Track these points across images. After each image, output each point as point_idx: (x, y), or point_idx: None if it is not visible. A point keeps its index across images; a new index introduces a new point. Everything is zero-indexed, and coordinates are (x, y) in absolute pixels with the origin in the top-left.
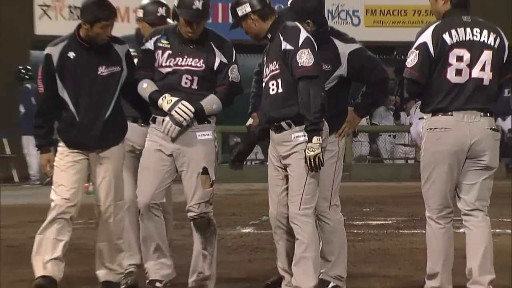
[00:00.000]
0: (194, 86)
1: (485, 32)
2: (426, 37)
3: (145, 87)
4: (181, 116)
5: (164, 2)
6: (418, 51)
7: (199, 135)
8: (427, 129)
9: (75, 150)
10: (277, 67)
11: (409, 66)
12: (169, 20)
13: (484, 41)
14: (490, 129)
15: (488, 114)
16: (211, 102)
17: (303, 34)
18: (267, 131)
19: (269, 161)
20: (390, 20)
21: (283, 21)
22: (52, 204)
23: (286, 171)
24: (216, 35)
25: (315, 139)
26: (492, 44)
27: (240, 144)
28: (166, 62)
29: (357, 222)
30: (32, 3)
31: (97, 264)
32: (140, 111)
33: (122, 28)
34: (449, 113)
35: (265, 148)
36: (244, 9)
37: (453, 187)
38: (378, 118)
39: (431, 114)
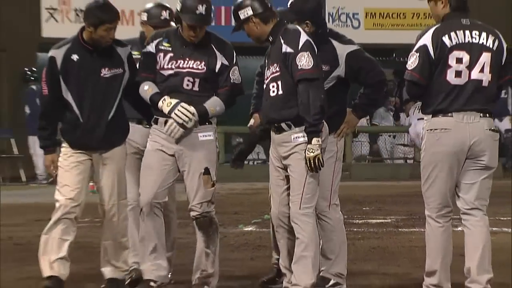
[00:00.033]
0: (196, 88)
1: (483, 34)
2: (426, 39)
3: (146, 89)
4: (180, 118)
5: (168, 5)
6: (418, 54)
7: (200, 136)
8: (428, 130)
9: (79, 151)
10: (277, 69)
11: (410, 68)
12: (173, 24)
13: (483, 43)
14: (490, 129)
15: (488, 115)
16: (214, 104)
17: (303, 37)
18: (268, 132)
19: (270, 162)
20: (389, 23)
21: (284, 24)
22: (57, 204)
23: (287, 171)
24: (217, 38)
25: (314, 140)
26: (491, 46)
27: (242, 144)
28: (168, 64)
29: (357, 221)
30: (39, 7)
31: (102, 261)
32: (142, 113)
33: (127, 31)
34: (449, 114)
35: (266, 148)
36: (246, 12)
37: (452, 186)
38: (378, 118)
39: (431, 115)
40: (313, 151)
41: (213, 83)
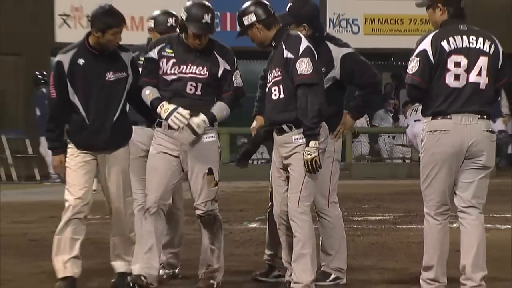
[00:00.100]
0: (198, 92)
1: (480, 39)
2: (426, 44)
3: (148, 93)
4: (175, 124)
5: (174, 12)
6: (418, 58)
7: (204, 138)
8: (427, 132)
9: (84, 151)
10: (279, 73)
11: (410, 72)
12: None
13: (480, 47)
14: (487, 131)
15: (485, 117)
16: (221, 109)
17: (304, 44)
18: (271, 133)
19: (273, 163)
20: (388, 28)
21: (286, 30)
22: (66, 204)
23: (287, 171)
24: (218, 44)
25: (311, 143)
26: (488, 50)
27: (246, 144)
28: (171, 70)
29: (356, 218)
30: (53, 13)
31: (112, 256)
32: (145, 116)
33: (136, 36)
34: (448, 116)
35: (270, 148)
36: (249, 19)
37: (451, 185)
38: (378, 120)
39: (431, 117)
40: (310, 153)
41: (215, 87)
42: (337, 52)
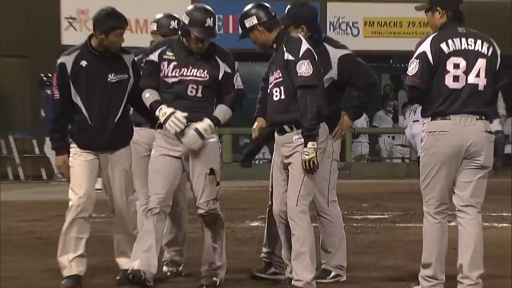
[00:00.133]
0: (199, 95)
1: (479, 42)
2: (425, 47)
3: (147, 96)
4: (172, 128)
5: (176, 15)
6: (418, 60)
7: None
8: (427, 132)
9: (87, 151)
10: (280, 75)
11: (410, 74)
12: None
13: (478, 50)
14: (485, 131)
15: (484, 118)
16: (223, 112)
17: (304, 46)
18: (273, 133)
19: (273, 163)
20: (387, 31)
21: (287, 32)
22: (70, 203)
23: (288, 171)
24: (219, 48)
25: (310, 144)
26: (486, 52)
27: (249, 145)
28: (172, 72)
29: (356, 216)
30: (59, 16)
31: (116, 253)
32: (146, 118)
33: (140, 38)
34: (447, 117)
35: (272, 148)
36: (251, 21)
37: (450, 185)
38: (378, 120)
39: (430, 118)
40: (308, 154)
41: (215, 89)
42: (334, 54)
